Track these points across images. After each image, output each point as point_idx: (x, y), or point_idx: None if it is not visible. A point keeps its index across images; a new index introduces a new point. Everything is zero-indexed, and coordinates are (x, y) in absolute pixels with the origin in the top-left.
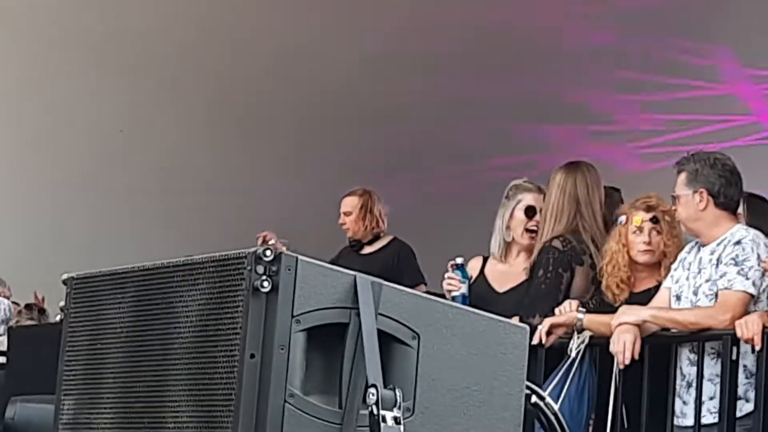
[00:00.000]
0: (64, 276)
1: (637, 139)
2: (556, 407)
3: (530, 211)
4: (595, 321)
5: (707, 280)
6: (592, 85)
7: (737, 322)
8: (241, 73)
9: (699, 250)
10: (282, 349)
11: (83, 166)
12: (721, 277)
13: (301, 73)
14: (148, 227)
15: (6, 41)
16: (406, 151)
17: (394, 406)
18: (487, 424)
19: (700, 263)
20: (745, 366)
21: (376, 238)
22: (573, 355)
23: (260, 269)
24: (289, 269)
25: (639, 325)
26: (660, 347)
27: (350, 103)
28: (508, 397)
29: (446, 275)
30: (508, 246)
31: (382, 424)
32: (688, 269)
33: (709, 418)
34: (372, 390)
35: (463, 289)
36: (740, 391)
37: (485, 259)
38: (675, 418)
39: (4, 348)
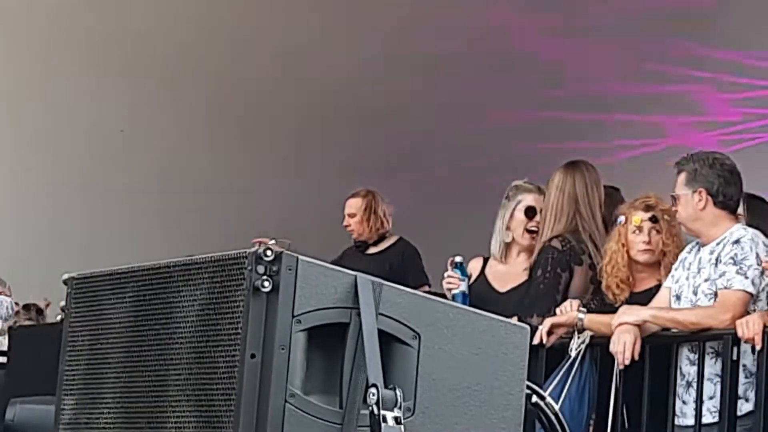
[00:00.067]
0: (65, 276)
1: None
2: (556, 407)
3: (530, 212)
4: (595, 321)
5: (706, 280)
6: (593, 77)
7: (738, 322)
8: (241, 73)
9: (699, 250)
10: (282, 349)
11: (83, 166)
12: (720, 276)
13: (301, 73)
14: (148, 227)
15: (6, 41)
16: (406, 151)
17: (395, 406)
18: (488, 424)
19: (700, 263)
20: (744, 365)
21: (382, 238)
22: (573, 355)
23: (261, 269)
24: (290, 269)
25: (639, 326)
26: (660, 347)
27: (350, 103)
28: (509, 397)
29: (445, 274)
30: (508, 246)
31: (382, 424)
32: (688, 269)
33: (708, 417)
34: (372, 390)
35: (463, 286)
36: (740, 390)
37: (486, 260)
38: (675, 418)
39: (5, 348)
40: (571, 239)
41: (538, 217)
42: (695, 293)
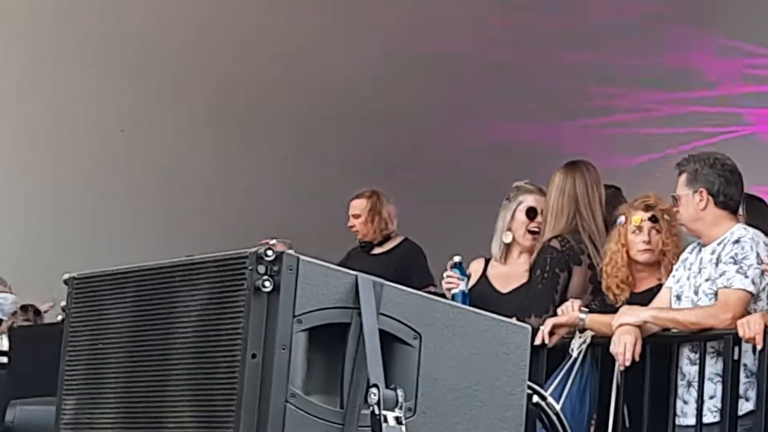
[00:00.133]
0: (66, 276)
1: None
2: (557, 407)
3: (531, 213)
4: (597, 321)
5: (707, 280)
6: (594, 77)
7: (739, 322)
8: (241, 73)
9: (700, 250)
10: (283, 348)
11: (83, 166)
12: (720, 275)
13: (301, 73)
14: (148, 227)
15: (6, 41)
16: (406, 151)
17: (396, 406)
18: (489, 424)
19: (701, 263)
20: (745, 365)
21: (387, 238)
22: (575, 355)
23: (262, 269)
24: (291, 269)
25: (640, 326)
26: (661, 347)
27: (350, 103)
28: (510, 397)
29: (445, 274)
30: (508, 247)
31: (383, 424)
32: (689, 269)
33: (709, 417)
34: (373, 390)
35: (462, 286)
36: (740, 390)
37: (487, 261)
38: (676, 418)
39: (5, 348)
40: (570, 239)
41: (539, 218)
42: (696, 293)
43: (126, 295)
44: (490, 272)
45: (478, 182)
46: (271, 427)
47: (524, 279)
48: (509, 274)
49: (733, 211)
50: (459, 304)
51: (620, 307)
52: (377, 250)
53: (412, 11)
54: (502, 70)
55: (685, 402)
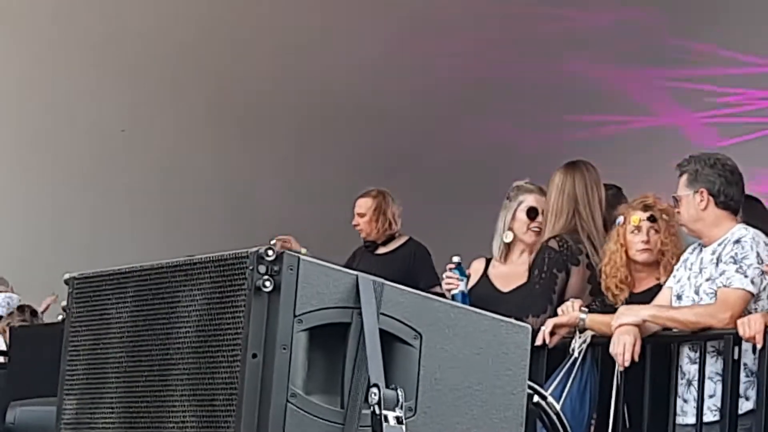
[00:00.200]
0: (66, 276)
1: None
2: (558, 407)
3: (532, 213)
4: (597, 321)
5: (708, 279)
6: (593, 77)
7: (739, 321)
8: (241, 73)
9: (701, 250)
10: (284, 348)
11: (83, 166)
12: (720, 275)
13: (301, 73)
14: (149, 227)
15: (6, 41)
16: (406, 151)
17: (396, 405)
18: (489, 423)
19: (702, 263)
20: (745, 364)
21: (391, 238)
22: (575, 354)
23: (262, 269)
24: (291, 269)
25: (639, 326)
26: (661, 347)
27: (350, 102)
28: (510, 397)
29: (444, 275)
30: (509, 247)
31: (384, 424)
32: (690, 269)
33: (709, 416)
34: (374, 390)
35: (462, 286)
36: (740, 389)
37: (488, 261)
38: (675, 417)
39: (4, 348)
40: (568, 239)
41: (540, 218)
42: (697, 293)
43: (126, 294)
44: (491, 272)
45: (478, 182)
46: (272, 427)
47: (525, 278)
48: (510, 274)
49: (734, 212)
50: (460, 304)
51: (620, 307)
52: (382, 250)
53: (412, 11)
54: (503, 70)
55: (685, 401)
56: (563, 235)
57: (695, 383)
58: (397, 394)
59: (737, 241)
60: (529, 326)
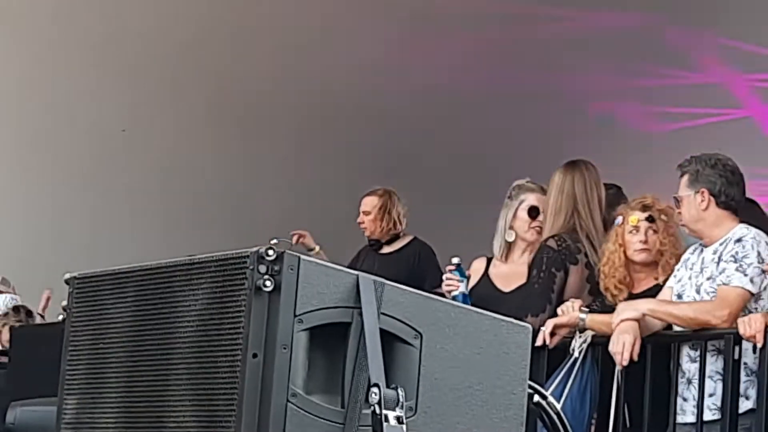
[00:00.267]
0: (67, 275)
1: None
2: (558, 406)
3: (533, 212)
4: (597, 321)
5: (709, 278)
6: (593, 76)
7: (740, 320)
8: (241, 73)
9: (702, 251)
10: (284, 348)
11: (83, 165)
12: (720, 273)
13: (302, 73)
14: (149, 227)
15: (6, 41)
16: (406, 151)
17: (397, 405)
18: (490, 423)
19: (703, 263)
20: (745, 363)
21: (395, 238)
22: (575, 354)
23: (262, 268)
24: (292, 268)
25: (639, 322)
26: (661, 346)
27: (350, 102)
28: (511, 397)
29: (444, 276)
30: (510, 246)
31: (384, 424)
32: (691, 269)
33: (708, 414)
34: (374, 389)
35: (462, 288)
36: (740, 388)
37: (489, 260)
38: (676, 416)
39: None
40: (566, 239)
41: (541, 217)
42: (698, 292)
43: (127, 294)
44: (492, 271)
45: (478, 182)
46: (272, 427)
47: (526, 278)
48: (511, 273)
49: (735, 212)
50: (460, 304)
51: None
52: (387, 249)
53: (412, 11)
54: (503, 69)
55: (685, 399)
56: (562, 234)
57: (695, 382)
58: (398, 394)
59: (738, 240)
60: (529, 326)
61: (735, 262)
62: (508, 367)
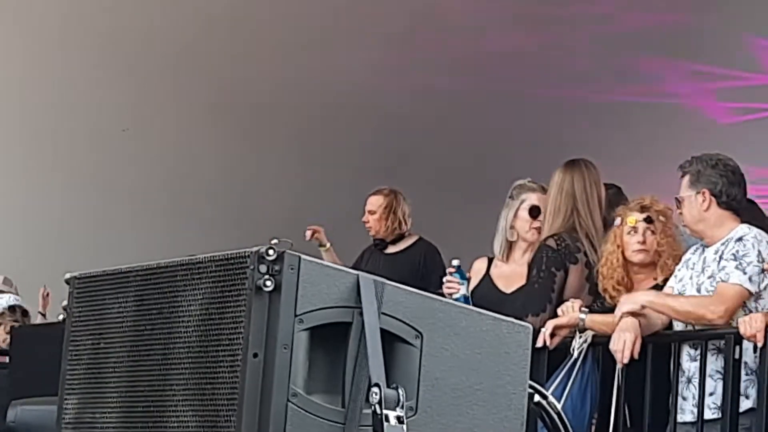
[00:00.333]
0: (67, 275)
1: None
2: (559, 406)
3: (534, 211)
4: (597, 321)
5: (710, 277)
6: (593, 80)
7: (740, 320)
8: (242, 73)
9: (703, 251)
10: (285, 348)
11: (84, 165)
12: (720, 270)
13: (304, 73)
14: (150, 227)
15: (6, 41)
16: (406, 151)
17: (397, 405)
18: (490, 423)
19: (704, 263)
20: (745, 363)
21: (400, 237)
22: (575, 354)
23: (263, 268)
24: (292, 268)
25: (640, 321)
26: (662, 345)
27: (351, 102)
28: (511, 397)
29: (444, 279)
30: (510, 246)
31: (385, 424)
32: (692, 269)
33: (708, 414)
34: (375, 389)
35: (463, 290)
36: (740, 387)
37: (490, 260)
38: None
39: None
40: (566, 238)
41: (542, 217)
42: (699, 291)
43: (128, 294)
44: (493, 272)
45: (478, 182)
46: (273, 427)
47: (526, 278)
48: (512, 274)
49: (736, 212)
50: (460, 304)
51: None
52: (392, 249)
53: (413, 11)
54: (503, 69)
55: (684, 398)
56: (561, 233)
57: (694, 381)
58: (398, 394)
59: (740, 239)
60: (530, 326)
61: (735, 260)
62: (509, 366)
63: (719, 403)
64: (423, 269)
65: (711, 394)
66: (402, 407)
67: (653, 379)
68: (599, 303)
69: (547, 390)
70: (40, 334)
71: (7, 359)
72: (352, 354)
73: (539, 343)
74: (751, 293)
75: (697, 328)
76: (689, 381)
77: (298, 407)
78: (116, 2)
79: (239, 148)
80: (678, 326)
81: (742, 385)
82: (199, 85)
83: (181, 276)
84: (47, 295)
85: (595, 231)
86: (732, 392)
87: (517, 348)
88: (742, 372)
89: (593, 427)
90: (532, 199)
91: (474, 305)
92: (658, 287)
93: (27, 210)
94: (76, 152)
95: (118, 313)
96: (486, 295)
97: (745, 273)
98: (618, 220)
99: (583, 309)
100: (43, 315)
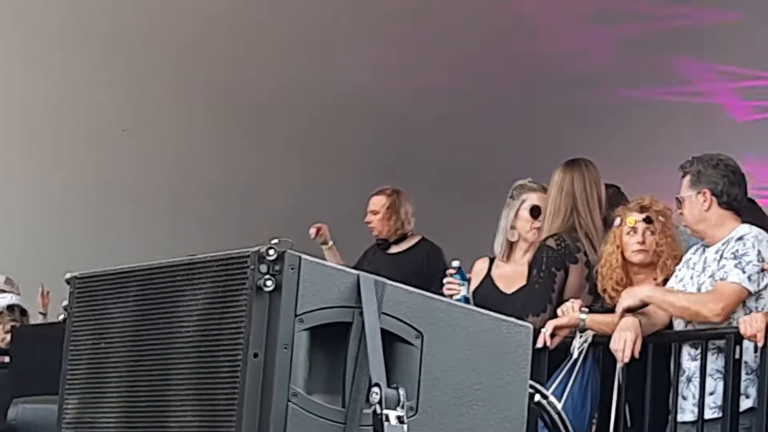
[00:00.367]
0: (68, 275)
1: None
2: (559, 406)
3: (535, 211)
4: (597, 321)
5: (710, 276)
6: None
7: (741, 319)
8: (242, 73)
9: (704, 251)
10: (285, 348)
11: (84, 165)
12: (720, 269)
13: (304, 73)
14: (150, 227)
15: (7, 41)
16: (407, 151)
17: (398, 405)
18: (491, 423)
19: (705, 262)
20: (745, 362)
21: (403, 237)
22: (576, 354)
23: (263, 268)
24: (293, 268)
25: (640, 321)
26: (662, 345)
27: (351, 102)
28: (512, 396)
29: (445, 280)
30: (511, 246)
31: (385, 423)
32: (693, 269)
33: (708, 413)
34: (375, 389)
35: (463, 291)
36: (740, 387)
37: (491, 260)
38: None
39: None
40: (566, 238)
41: (542, 217)
42: (699, 290)
43: (128, 294)
44: (494, 272)
45: (478, 182)
46: (273, 427)
47: (527, 278)
48: (513, 274)
49: (737, 212)
50: (461, 304)
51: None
52: (394, 249)
53: (413, 10)
54: (503, 69)
55: (684, 398)
56: (561, 233)
57: (695, 380)
58: (399, 394)
59: (740, 239)
60: (530, 325)
61: (734, 259)
62: (510, 366)
63: (719, 403)
64: (426, 269)
65: (711, 394)
66: (402, 407)
67: (653, 378)
68: (599, 305)
69: (547, 390)
70: (40, 334)
71: (6, 359)
72: (353, 354)
73: (539, 344)
74: (749, 292)
75: (697, 327)
76: (689, 380)
77: (299, 407)
78: (116, 2)
79: (239, 148)
80: (678, 326)
81: (743, 384)
82: (199, 85)
83: (182, 276)
84: (47, 294)
85: (594, 231)
86: (732, 392)
87: (517, 348)
88: (743, 371)
89: (594, 427)
90: (532, 199)
91: (475, 306)
92: None
93: (27, 210)
94: (76, 152)
95: (119, 313)
96: (487, 296)
97: (744, 272)
98: (617, 221)
99: (583, 309)
100: (44, 315)
